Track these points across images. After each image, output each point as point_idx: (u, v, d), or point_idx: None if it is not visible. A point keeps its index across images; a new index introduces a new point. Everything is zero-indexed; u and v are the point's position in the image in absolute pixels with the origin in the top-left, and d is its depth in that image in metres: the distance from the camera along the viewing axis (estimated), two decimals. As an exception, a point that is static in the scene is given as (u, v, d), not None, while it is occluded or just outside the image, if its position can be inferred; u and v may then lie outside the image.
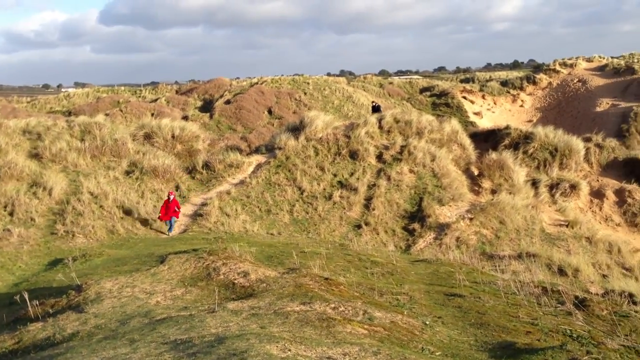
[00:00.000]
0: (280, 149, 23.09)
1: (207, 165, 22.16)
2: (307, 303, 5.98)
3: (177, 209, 17.45)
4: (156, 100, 50.01)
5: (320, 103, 46.93)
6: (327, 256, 10.79)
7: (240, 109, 44.85)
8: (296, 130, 24.32)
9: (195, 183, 21.42)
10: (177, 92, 55.37)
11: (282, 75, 58.91)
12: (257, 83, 52.12)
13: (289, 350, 4.06)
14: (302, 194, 20.65)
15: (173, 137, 24.99)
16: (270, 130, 39.09)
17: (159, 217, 17.36)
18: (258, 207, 19.68)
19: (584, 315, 8.29)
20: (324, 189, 20.90)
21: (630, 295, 11.92)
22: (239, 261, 7.95)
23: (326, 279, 7.46)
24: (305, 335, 4.74)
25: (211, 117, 44.58)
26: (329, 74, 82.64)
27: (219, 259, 7.92)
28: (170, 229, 17.29)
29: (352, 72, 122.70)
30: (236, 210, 19.07)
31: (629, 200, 22.72)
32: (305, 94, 48.73)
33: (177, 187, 20.63)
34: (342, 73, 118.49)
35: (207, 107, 47.85)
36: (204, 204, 19.47)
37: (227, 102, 46.83)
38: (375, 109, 30.45)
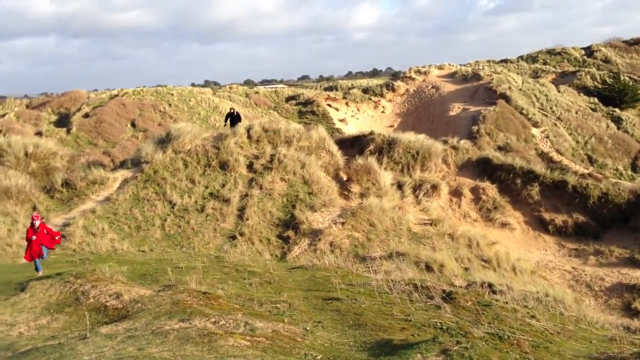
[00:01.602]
0: (147, 162, 22.27)
1: (67, 183, 20.79)
2: (186, 320, 5.81)
3: (52, 237, 12.08)
4: (4, 116, 46.05)
5: (186, 114, 45.91)
6: (203, 270, 10.56)
7: (101, 123, 42.64)
8: (163, 142, 23.59)
9: (55, 203, 20.02)
10: (27, 106, 51.28)
11: (144, 86, 56.84)
12: (117, 95, 49.79)
13: (172, 370, 3.91)
14: (173, 207, 20.05)
15: (26, 154, 23.22)
16: (134, 143, 37.53)
17: (26, 257, 11.86)
18: (127, 224, 18.81)
19: (451, 308, 8.81)
20: (196, 202, 20.45)
21: (490, 285, 12.89)
22: (110, 282, 7.53)
23: (204, 293, 7.29)
24: (186, 352, 4.59)
25: (68, 132, 41.90)
26: (193, 85, 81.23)
27: (87, 281, 7.45)
28: (37, 268, 11.62)
29: (217, 82, 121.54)
30: (102, 228, 18.08)
31: (483, 197, 24.59)
32: (170, 105, 47.42)
33: (35, 208, 19.16)
34: (206, 83, 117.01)
35: (63, 121, 44.89)
36: (65, 225, 18.23)
37: (86, 115, 44.28)
38: (232, 116, 26.67)
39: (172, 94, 50.04)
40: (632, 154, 39.45)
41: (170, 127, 26.87)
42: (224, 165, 22.40)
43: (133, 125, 43.71)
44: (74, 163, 25.65)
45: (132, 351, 4.73)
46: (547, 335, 7.84)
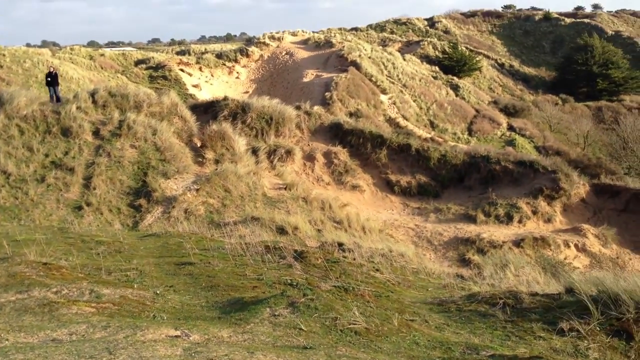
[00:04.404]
0: (-24, 129, 20.25)
1: None
2: (24, 291, 5.48)
3: None
4: None
5: (22, 77, 42.11)
6: (45, 242, 9.92)
7: None
8: (-5, 107, 21.54)
9: None
10: None
11: (-29, 46, 50.96)
12: (-62, 55, 44.32)
13: (7, 340, 3.71)
14: (8, 178, 18.49)
15: None
16: (-39, 109, 33.79)
17: None
18: (-47, 197, 17.08)
19: (302, 266, 9.13)
20: (35, 171, 19.04)
21: (340, 244, 13.51)
22: None
23: (45, 264, 6.90)
24: (24, 323, 4.36)
25: None
26: (28, 45, 74.30)
27: None
28: None
29: (56, 42, 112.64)
30: None
31: (335, 161, 25.51)
32: (1, 67, 43.19)
33: None
34: (44, 44, 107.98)
35: None
36: None
37: None
38: (50, 76, 23.71)
39: (4, 54, 45.50)
40: (468, 119, 43.00)
41: (2, 90, 24.54)
42: (66, 132, 21.00)
43: (-42, 88, 39.28)
44: None
45: (-39, 327, 4.39)
46: (389, 286, 8.43)
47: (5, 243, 8.81)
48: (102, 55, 54.30)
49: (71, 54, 53.06)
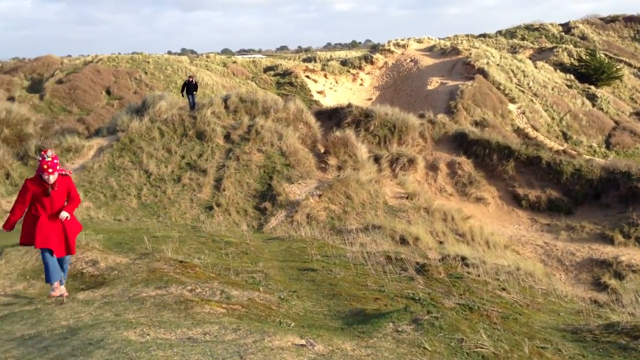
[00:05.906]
0: (123, 131, 22.04)
1: (40, 151, 20.47)
2: (163, 287, 5.86)
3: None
4: (-25, 80, 44.89)
5: (163, 83, 45.29)
6: (180, 239, 10.57)
7: (75, 89, 41.83)
8: (139, 111, 23.35)
9: (29, 170, 19.72)
10: None
11: (120, 53, 55.79)
12: (91, 61, 48.82)
13: (148, 335, 3.97)
14: (149, 177, 19.94)
15: (-1, 120, 22.78)
16: (110, 111, 37.00)
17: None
18: (102, 192, 18.68)
19: (424, 279, 8.97)
20: (172, 171, 20.36)
21: (463, 258, 13.10)
22: (86, 249, 7.53)
23: (181, 261, 7.33)
24: (163, 319, 4.65)
25: (42, 98, 41.03)
26: (170, 53, 79.84)
27: (62, 249, 7.42)
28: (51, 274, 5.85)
29: (194, 50, 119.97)
30: (77, 197, 17.92)
31: (459, 171, 24.84)
32: (146, 73, 46.70)
33: (8, 175, 18.88)
34: (183, 52, 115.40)
35: (36, 87, 43.93)
36: (39, 192, 18.02)
37: (59, 81, 43.38)
38: (189, 85, 23.73)
39: (149, 62, 49.23)
40: (606, 131, 40.10)
41: (146, 95, 26.53)
42: (200, 135, 22.26)
43: (108, 92, 43.01)
44: (47, 130, 25.26)
45: (109, 317, 4.78)
46: (516, 307, 8.03)
47: (146, 239, 9.48)
48: (234, 62, 57.04)
49: (207, 61, 56.26)
